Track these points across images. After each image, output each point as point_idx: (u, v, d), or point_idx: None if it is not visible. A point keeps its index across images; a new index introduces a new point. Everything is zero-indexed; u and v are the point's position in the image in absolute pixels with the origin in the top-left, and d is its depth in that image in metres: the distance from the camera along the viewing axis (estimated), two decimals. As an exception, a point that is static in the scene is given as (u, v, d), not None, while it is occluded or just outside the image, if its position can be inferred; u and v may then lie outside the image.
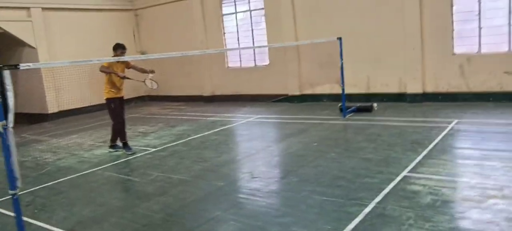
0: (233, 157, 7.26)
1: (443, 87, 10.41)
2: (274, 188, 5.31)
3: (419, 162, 5.78)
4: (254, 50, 13.69)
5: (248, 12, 13.56)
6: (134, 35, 16.31)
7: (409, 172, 5.40)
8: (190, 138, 8.87)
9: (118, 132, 8.08)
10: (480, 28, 9.81)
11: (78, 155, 8.21)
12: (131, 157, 7.65)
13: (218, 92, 14.71)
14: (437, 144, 6.62)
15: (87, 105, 14.64)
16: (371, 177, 5.39)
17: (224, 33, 14.19)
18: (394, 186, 4.93)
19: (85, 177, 6.65)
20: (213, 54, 14.32)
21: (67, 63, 4.37)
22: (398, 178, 5.18)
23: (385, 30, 10.93)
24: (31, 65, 3.89)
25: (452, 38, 10.14)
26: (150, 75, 7.92)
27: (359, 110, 10.01)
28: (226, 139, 8.78)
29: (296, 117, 10.40)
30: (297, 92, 12.71)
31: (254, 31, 13.54)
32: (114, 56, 7.57)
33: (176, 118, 11.98)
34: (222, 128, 9.78)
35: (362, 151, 6.65)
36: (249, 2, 13.46)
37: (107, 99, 7.89)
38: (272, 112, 11.34)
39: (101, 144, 9.15)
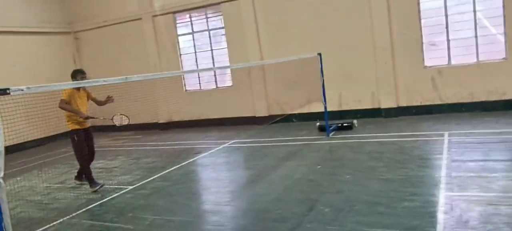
0: (232, 190, 6.34)
1: (416, 100, 10.41)
2: (311, 225, 4.54)
3: (447, 179, 5.37)
4: (215, 71, 12.89)
5: (206, 32, 12.79)
6: (74, 61, 14.70)
7: (447, 191, 4.96)
8: (166, 171, 7.79)
9: (84, 168, 7.08)
10: (448, 40, 9.99)
11: (37, 202, 6.78)
12: (107, 198, 6.43)
13: (175, 118, 13.62)
14: (448, 158, 6.32)
15: (23, 141, 12.77)
16: (409, 200, 4.86)
17: (180, 54, 13.25)
18: (448, 210, 4.40)
19: (59, 229, 5.37)
20: (168, 77, 13.27)
21: (67, 84, 3.31)
22: (441, 200, 4.70)
23: (354, 45, 10.76)
24: (24, 89, 2.84)
25: (422, 51, 10.22)
26: (118, 115, 7.12)
27: (340, 128, 9.62)
28: (210, 170, 7.85)
29: (274, 139, 9.74)
30: (264, 114, 12.09)
31: (214, 51, 12.76)
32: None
33: (136, 149, 10.76)
34: (197, 157, 8.81)
35: (376, 171, 6.15)
36: (207, 21, 12.69)
37: (72, 131, 6.93)
38: (245, 136, 10.56)
39: (58, 184, 7.76)
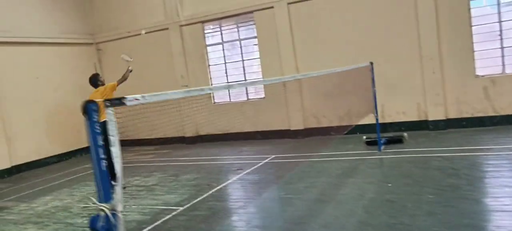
0: (302, 213, 5.64)
1: (467, 112, 9.81)
2: (420, 254, 3.93)
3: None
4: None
5: (237, 42, 12.26)
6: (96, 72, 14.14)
7: None
8: (215, 190, 7.16)
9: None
10: (502, 48, 9.43)
11: (77, 225, 6.15)
12: (160, 221, 5.80)
13: (203, 132, 13.02)
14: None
15: (44, 157, 12.21)
16: (524, 224, 4.24)
17: (209, 65, 12.70)
18: None
19: (120, 259, 4.73)
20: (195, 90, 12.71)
21: (175, 93, 2.75)
22: None
23: (398, 54, 10.21)
24: (140, 98, 2.26)
25: (474, 59, 9.65)
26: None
27: (389, 142, 9.00)
28: (262, 188, 7.19)
29: (319, 154, 9.11)
30: (300, 127, 11.50)
31: (245, 62, 12.22)
32: (100, 86, 8.15)
33: (170, 165, 10.14)
34: (241, 174, 8.16)
35: (461, 190, 5.53)
36: (238, 31, 12.17)
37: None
38: (283, 151, 9.95)
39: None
